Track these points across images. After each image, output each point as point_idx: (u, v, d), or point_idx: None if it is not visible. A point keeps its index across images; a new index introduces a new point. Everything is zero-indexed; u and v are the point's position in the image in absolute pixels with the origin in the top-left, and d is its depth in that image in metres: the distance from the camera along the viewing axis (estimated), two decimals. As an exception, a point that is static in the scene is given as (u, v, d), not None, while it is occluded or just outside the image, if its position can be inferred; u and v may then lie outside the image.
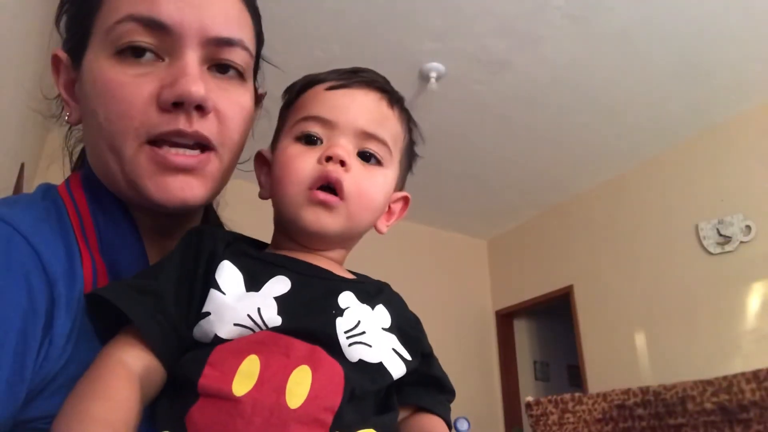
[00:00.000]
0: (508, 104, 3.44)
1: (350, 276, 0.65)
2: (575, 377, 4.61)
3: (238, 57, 0.62)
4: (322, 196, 0.59)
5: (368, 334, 0.56)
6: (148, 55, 0.57)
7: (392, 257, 3.56)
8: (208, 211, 0.74)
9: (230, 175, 0.65)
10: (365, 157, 0.63)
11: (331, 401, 0.49)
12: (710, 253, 3.44)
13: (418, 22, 2.84)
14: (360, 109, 0.64)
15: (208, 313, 0.54)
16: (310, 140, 0.63)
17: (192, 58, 0.58)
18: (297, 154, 0.62)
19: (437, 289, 4.65)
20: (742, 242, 3.31)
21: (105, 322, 0.52)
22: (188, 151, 0.58)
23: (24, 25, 1.84)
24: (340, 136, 0.62)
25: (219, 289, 0.55)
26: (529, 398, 1.82)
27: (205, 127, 0.58)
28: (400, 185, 0.71)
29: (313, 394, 0.48)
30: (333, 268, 0.63)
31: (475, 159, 4.01)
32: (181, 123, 0.56)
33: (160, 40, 0.57)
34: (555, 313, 4.92)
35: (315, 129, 0.63)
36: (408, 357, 0.59)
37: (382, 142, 0.64)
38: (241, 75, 0.63)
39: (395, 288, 0.68)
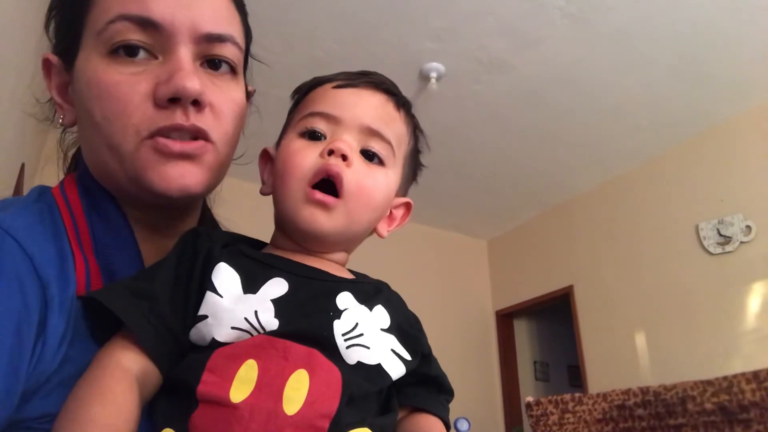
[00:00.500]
0: (508, 104, 3.44)
1: (348, 276, 0.64)
2: (575, 377, 4.61)
3: (230, 52, 0.63)
4: (320, 195, 0.59)
5: (366, 336, 0.56)
6: (142, 54, 0.58)
7: (392, 257, 3.56)
8: (203, 211, 0.74)
9: (226, 170, 0.65)
10: (368, 155, 0.63)
11: (327, 407, 0.49)
12: (710, 254, 3.44)
13: (418, 22, 2.84)
14: (366, 106, 0.64)
15: (205, 316, 0.53)
16: (314, 136, 0.62)
17: (185, 54, 0.59)
18: (299, 149, 0.62)
19: (437, 289, 4.66)
20: (742, 242, 3.31)
21: (101, 323, 0.52)
22: (189, 140, 0.59)
23: (23, 26, 1.84)
24: (344, 131, 0.62)
25: (216, 292, 0.55)
26: (530, 398, 1.82)
27: (202, 120, 0.59)
28: (403, 191, 0.70)
29: (310, 399, 0.49)
30: (331, 269, 0.62)
31: (476, 159, 4.01)
32: (178, 118, 0.57)
33: (153, 38, 0.58)
34: (555, 314, 4.92)
35: (319, 125, 0.62)
36: (407, 357, 0.59)
37: (387, 141, 0.64)
38: (232, 70, 0.64)
39: (395, 288, 0.67)
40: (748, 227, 3.29)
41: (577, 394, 1.68)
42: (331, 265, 0.63)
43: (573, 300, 4.28)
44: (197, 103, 0.58)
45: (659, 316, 3.64)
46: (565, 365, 5.16)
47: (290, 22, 2.78)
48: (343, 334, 0.54)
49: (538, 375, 5.05)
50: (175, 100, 0.57)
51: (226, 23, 0.63)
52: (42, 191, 0.60)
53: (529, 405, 1.80)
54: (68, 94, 0.63)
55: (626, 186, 4.08)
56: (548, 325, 5.21)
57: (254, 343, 0.51)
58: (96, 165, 0.60)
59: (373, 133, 0.63)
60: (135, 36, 0.57)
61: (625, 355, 3.78)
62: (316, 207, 0.59)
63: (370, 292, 0.62)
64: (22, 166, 2.23)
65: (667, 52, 3.00)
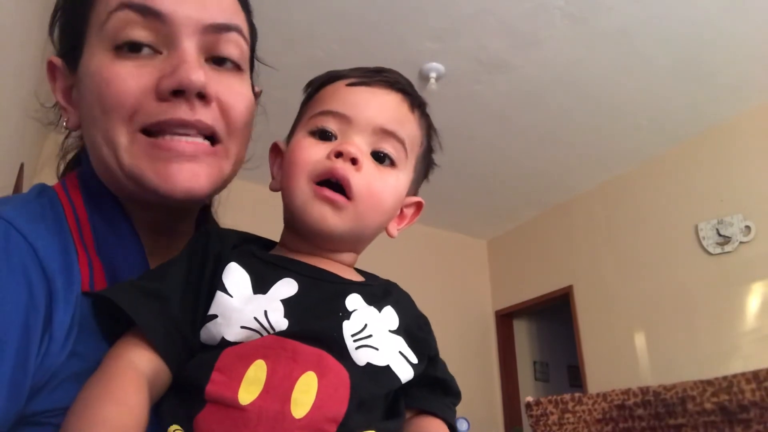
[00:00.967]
0: (508, 104, 3.44)
1: (358, 278, 0.64)
2: (575, 377, 4.61)
3: (235, 45, 0.61)
4: (329, 193, 0.58)
5: (375, 337, 0.55)
6: (146, 50, 0.57)
7: (392, 257, 3.55)
8: (205, 210, 0.74)
9: (237, 169, 0.64)
10: (379, 157, 0.62)
11: (335, 411, 0.49)
12: (710, 254, 3.44)
13: (417, 22, 2.84)
14: (380, 106, 0.62)
15: (215, 316, 0.53)
16: (324, 135, 0.61)
17: (190, 46, 0.57)
18: (309, 147, 0.60)
19: (437, 289, 4.65)
20: (741, 242, 3.31)
21: (109, 321, 0.52)
22: (195, 139, 0.57)
23: (23, 27, 1.83)
24: (355, 133, 0.60)
25: (226, 292, 0.54)
26: (529, 398, 1.82)
27: (209, 115, 0.57)
28: (414, 190, 0.69)
29: (318, 403, 0.48)
30: (341, 271, 0.62)
31: (475, 159, 4.01)
32: (182, 111, 0.56)
33: (156, 32, 0.57)
34: (555, 314, 4.92)
35: (330, 124, 0.61)
36: (414, 360, 0.58)
37: (399, 143, 0.62)
38: (238, 67, 0.62)
39: (400, 287, 0.67)
40: (748, 227, 3.29)
41: (576, 394, 1.68)
42: (340, 266, 0.63)
43: (573, 300, 4.28)
44: (203, 97, 0.56)
45: (659, 316, 3.64)
46: (564, 365, 5.16)
47: (290, 22, 2.78)
48: (353, 335, 0.54)
49: (538, 375, 5.05)
50: (179, 93, 0.55)
51: (231, 14, 0.62)
52: (43, 188, 0.60)
53: (528, 405, 1.80)
54: (72, 97, 0.62)
55: (626, 186, 4.08)
56: (548, 325, 5.21)
57: (263, 343, 0.51)
58: (97, 164, 0.60)
59: (385, 134, 0.61)
60: (139, 32, 0.56)
61: (625, 355, 3.78)
62: (325, 205, 0.58)
63: (379, 293, 0.61)
64: (21, 166, 2.23)
65: (666, 52, 3.00)
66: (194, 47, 0.58)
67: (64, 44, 0.63)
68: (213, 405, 0.48)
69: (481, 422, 4.23)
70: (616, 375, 3.72)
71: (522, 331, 5.13)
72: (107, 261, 0.56)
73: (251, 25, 0.68)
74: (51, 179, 0.65)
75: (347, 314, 0.55)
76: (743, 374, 1.31)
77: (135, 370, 0.48)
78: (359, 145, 0.60)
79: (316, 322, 0.54)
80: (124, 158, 0.56)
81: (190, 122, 0.56)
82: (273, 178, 0.67)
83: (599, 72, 3.15)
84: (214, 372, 0.49)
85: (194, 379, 0.50)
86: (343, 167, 0.58)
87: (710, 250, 3.44)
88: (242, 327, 0.52)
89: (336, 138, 0.61)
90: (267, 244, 0.67)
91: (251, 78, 0.68)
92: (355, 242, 0.64)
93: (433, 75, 3.12)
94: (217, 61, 0.61)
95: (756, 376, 1.27)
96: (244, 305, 0.53)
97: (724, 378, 1.34)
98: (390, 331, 0.58)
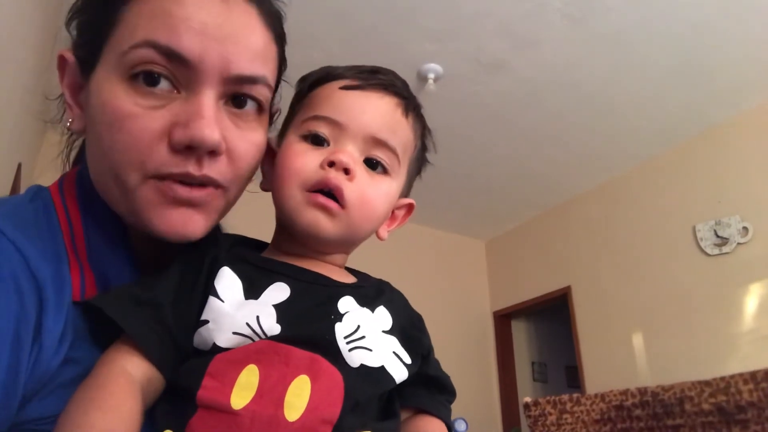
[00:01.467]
0: (506, 105, 3.45)
1: (350, 280, 0.64)
2: (573, 378, 4.61)
3: (258, 92, 0.59)
4: (322, 199, 0.58)
5: (368, 338, 0.55)
6: (163, 83, 0.54)
7: (389, 257, 3.55)
8: None
9: (232, 206, 0.63)
10: (372, 164, 0.61)
11: (329, 413, 0.49)
12: (708, 255, 3.45)
13: (416, 23, 2.84)
14: (373, 113, 0.62)
15: (206, 321, 0.53)
16: (317, 140, 0.61)
17: (209, 97, 0.55)
18: (301, 153, 0.60)
19: (435, 290, 4.65)
20: (739, 244, 3.31)
21: (103, 326, 0.52)
22: (196, 188, 0.56)
23: (23, 25, 1.83)
24: (347, 140, 0.60)
25: (218, 297, 0.54)
26: (527, 399, 1.82)
27: (215, 169, 0.56)
28: (406, 192, 0.69)
29: (312, 406, 0.48)
30: (333, 273, 0.62)
31: (474, 160, 4.01)
32: (190, 167, 0.54)
33: (178, 71, 0.54)
34: (553, 314, 4.92)
35: (323, 129, 0.61)
36: (408, 360, 0.59)
37: (392, 150, 0.62)
38: (259, 108, 0.60)
39: (392, 285, 0.67)
40: (745, 228, 3.30)
41: (575, 395, 1.69)
42: (331, 268, 0.63)
43: (571, 301, 4.29)
44: (213, 152, 0.55)
45: (657, 316, 3.65)
46: (563, 366, 5.16)
47: (288, 22, 2.78)
48: (345, 337, 0.54)
49: (536, 376, 5.05)
50: (190, 147, 0.53)
51: (261, 62, 0.58)
52: (38, 191, 0.59)
53: (527, 405, 1.80)
54: (80, 99, 0.60)
55: (624, 187, 4.08)
56: (546, 325, 5.21)
57: (256, 348, 0.51)
58: (99, 184, 0.58)
59: (378, 142, 0.61)
60: (158, 67, 0.53)
61: (623, 356, 3.78)
62: (318, 210, 0.58)
63: (371, 294, 0.61)
64: (19, 166, 2.23)
65: (664, 54, 3.00)
66: (214, 96, 0.55)
67: (80, 47, 0.60)
68: (205, 410, 0.48)
69: (479, 423, 4.24)
70: (614, 376, 3.73)
71: (520, 331, 5.13)
72: (99, 269, 0.56)
73: (282, 59, 0.66)
74: (52, 180, 0.65)
75: (339, 316, 0.55)
76: (741, 375, 1.31)
77: (126, 377, 0.48)
78: (352, 153, 0.60)
79: (308, 326, 0.54)
80: (130, 199, 0.55)
81: (196, 177, 0.55)
82: (264, 176, 0.66)
83: (597, 73, 3.16)
84: (205, 377, 0.49)
85: (186, 385, 0.50)
86: (336, 177, 0.58)
87: (708, 251, 3.44)
88: (234, 333, 0.52)
89: (328, 143, 0.60)
90: (259, 245, 0.67)
91: (272, 105, 0.65)
92: (346, 246, 0.64)
93: (431, 76, 3.12)
94: (237, 102, 0.58)
95: (753, 377, 1.28)
96: (236, 311, 0.53)
97: (722, 379, 1.34)
98: (383, 331, 0.58)
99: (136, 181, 0.54)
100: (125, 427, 0.44)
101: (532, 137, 3.75)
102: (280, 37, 0.65)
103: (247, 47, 0.57)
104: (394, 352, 0.57)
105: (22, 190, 2.15)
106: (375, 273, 0.69)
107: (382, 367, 0.55)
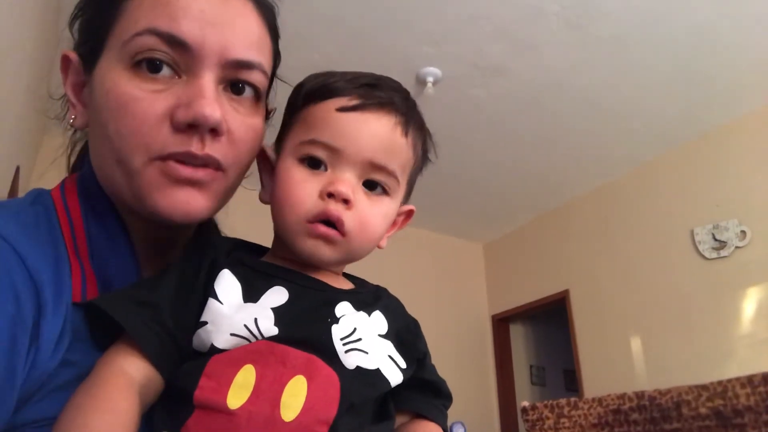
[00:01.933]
0: (505, 109, 3.45)
1: (348, 285, 0.65)
2: (571, 382, 4.61)
3: (255, 79, 0.61)
4: (323, 229, 0.58)
5: (364, 341, 0.56)
6: (165, 70, 0.57)
7: (387, 260, 3.56)
8: (203, 223, 0.74)
9: (234, 192, 0.65)
10: (371, 184, 0.61)
11: (325, 413, 0.49)
12: (706, 258, 3.45)
13: (415, 27, 2.85)
14: (371, 138, 0.60)
15: (205, 323, 0.54)
16: (314, 163, 0.60)
17: (209, 79, 0.57)
18: (300, 181, 0.59)
19: (433, 293, 4.66)
20: (737, 247, 3.32)
21: (102, 328, 0.52)
22: (199, 167, 0.57)
23: (21, 26, 1.83)
24: (345, 166, 0.59)
25: (217, 299, 0.55)
26: (525, 403, 1.82)
27: (216, 149, 0.58)
28: (406, 199, 0.69)
29: (308, 405, 0.48)
30: (331, 279, 0.63)
31: (472, 163, 4.02)
32: (193, 145, 0.56)
33: (179, 55, 0.57)
34: (551, 318, 4.92)
35: (320, 153, 0.60)
36: (403, 365, 0.59)
37: (390, 173, 0.61)
38: (256, 95, 0.63)
39: (390, 292, 0.67)
40: (743, 232, 3.31)
41: (572, 399, 1.69)
42: (330, 275, 0.64)
43: (569, 304, 4.29)
44: (215, 131, 0.57)
45: (655, 320, 3.65)
46: (561, 370, 5.16)
47: (287, 26, 2.77)
48: (342, 339, 0.54)
49: (534, 379, 5.05)
50: (192, 126, 0.56)
51: (256, 49, 0.61)
52: (39, 194, 0.59)
53: (524, 410, 1.80)
54: (83, 96, 0.62)
55: (622, 190, 4.09)
56: (544, 329, 5.22)
57: (253, 348, 0.51)
58: (102, 174, 0.60)
59: (376, 166, 0.60)
60: (161, 51, 0.56)
61: (621, 360, 3.79)
62: (318, 240, 0.59)
63: (368, 299, 0.62)
64: (17, 169, 2.23)
65: (662, 58, 3.02)
66: (213, 79, 0.58)
67: (82, 43, 0.62)
68: (202, 410, 0.48)
69: (477, 426, 4.23)
70: (612, 379, 3.73)
71: (518, 335, 5.14)
72: (101, 271, 0.57)
73: (276, 51, 0.69)
74: (51, 182, 0.65)
75: (336, 319, 0.56)
76: (738, 379, 1.31)
77: (125, 377, 0.48)
78: (350, 180, 0.59)
79: (305, 327, 0.54)
80: (135, 182, 0.57)
81: (199, 156, 0.56)
82: (262, 186, 0.66)
83: (595, 77, 3.17)
84: (202, 378, 0.50)
85: (183, 386, 0.50)
86: (336, 208, 0.58)
87: (706, 254, 3.45)
88: (232, 334, 0.52)
89: (326, 167, 0.60)
90: (259, 250, 0.67)
91: (267, 97, 0.68)
92: (346, 263, 0.65)
93: (430, 79, 3.13)
94: (235, 89, 0.61)
95: (750, 381, 1.28)
96: (234, 313, 0.54)
97: (719, 383, 1.34)
98: (379, 335, 0.59)
99: (141, 164, 0.56)
100: (123, 428, 0.44)
101: (530, 140, 3.76)
102: (273, 31, 0.68)
103: (244, 34, 0.60)
104: (389, 356, 0.58)
105: (21, 193, 2.16)
106: (372, 276, 0.69)
107: (378, 370, 0.56)
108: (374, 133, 0.60)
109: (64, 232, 0.56)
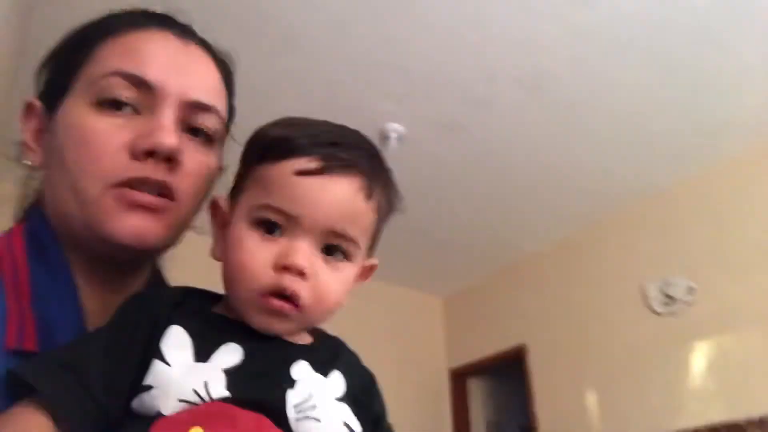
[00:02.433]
0: (463, 165, 3.55)
1: (306, 340, 0.63)
2: (529, 438, 4.56)
3: (211, 123, 0.65)
4: (277, 304, 0.55)
5: (319, 408, 0.54)
6: (127, 109, 0.60)
7: (343, 311, 3.51)
8: (153, 270, 0.73)
9: (184, 231, 0.66)
10: (330, 249, 0.58)
11: None
12: (657, 313, 3.54)
13: (379, 84, 2.94)
14: (331, 205, 0.56)
15: (150, 387, 0.50)
16: (269, 227, 0.56)
17: (169, 114, 0.61)
18: (253, 249, 0.56)
19: (390, 346, 4.59)
20: (686, 303, 3.42)
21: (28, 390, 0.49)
22: (154, 195, 0.59)
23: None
24: (302, 235, 0.55)
25: (164, 360, 0.51)
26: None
27: (171, 177, 0.60)
28: (369, 254, 0.65)
29: None
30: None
31: (432, 218, 4.06)
32: (148, 171, 0.58)
33: (142, 96, 0.60)
34: (508, 372, 4.90)
35: (276, 218, 0.56)
36: (358, 430, 0.57)
37: (351, 239, 0.58)
38: (210, 141, 0.66)
39: (347, 345, 0.67)
40: (691, 288, 3.42)
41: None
42: None
43: (526, 358, 4.30)
44: (171, 161, 0.59)
45: (609, 374, 3.69)
46: (517, 425, 5.10)
47: (251, 81, 2.83)
48: (296, 406, 0.53)
49: (492, 435, 4.97)
50: (151, 155, 0.58)
51: (214, 95, 0.66)
52: None
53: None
54: (42, 140, 0.64)
55: (576, 246, 4.19)
56: (501, 383, 5.18)
57: (203, 410, 0.49)
58: (55, 209, 0.61)
59: (336, 234, 0.57)
60: (125, 92, 0.60)
61: (578, 414, 3.79)
62: (271, 315, 0.56)
63: (326, 357, 0.60)
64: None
65: (611, 120, 3.18)
66: (173, 116, 0.61)
67: (48, 88, 0.65)
68: None
69: (435, 485, 4.11)
70: (569, 435, 3.72)
71: (476, 389, 5.08)
72: (42, 316, 0.55)
73: (231, 106, 0.73)
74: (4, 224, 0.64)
75: (292, 383, 0.54)
76: (696, 430, 1.33)
77: None
78: (307, 250, 0.56)
79: (259, 392, 0.52)
80: (89, 210, 0.58)
81: (153, 181, 0.59)
82: (215, 241, 0.62)
83: (548, 137, 3.31)
84: None
85: None
86: (291, 282, 0.55)
87: (657, 309, 3.54)
88: (180, 400, 0.49)
89: (281, 232, 0.56)
90: (212, 297, 0.63)
91: (220, 152, 0.71)
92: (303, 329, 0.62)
93: (393, 135, 3.20)
94: (192, 131, 0.64)
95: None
96: (183, 376, 0.50)
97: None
98: (336, 398, 0.57)
99: (97, 192, 0.58)
100: None
101: (488, 196, 3.85)
102: (229, 86, 0.72)
103: (203, 81, 0.66)
104: (344, 423, 0.56)
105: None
106: (327, 327, 0.69)
107: None
108: (335, 199, 0.56)
109: (6, 273, 0.55)
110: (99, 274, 0.63)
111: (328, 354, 0.61)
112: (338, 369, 0.59)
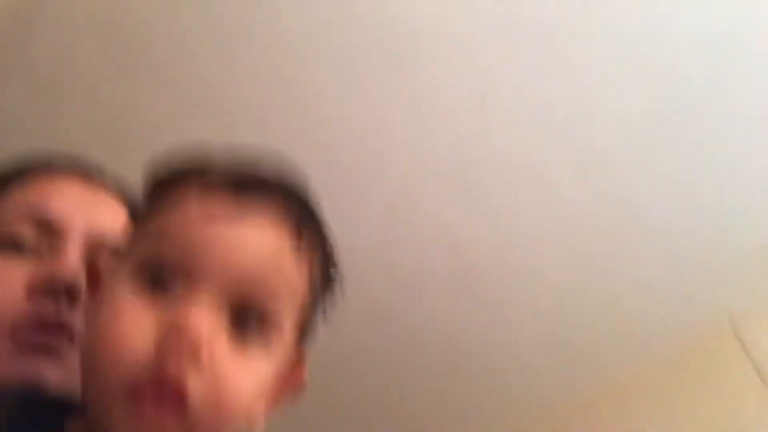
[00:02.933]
0: (393, 354, 3.44)
1: None
2: None
3: None
4: (152, 409, 0.36)
5: None
6: (30, 252, 0.58)
7: None
8: None
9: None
10: (241, 322, 0.41)
11: None
12: None
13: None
14: (245, 257, 0.41)
15: None
16: (158, 282, 0.40)
17: (73, 251, 0.59)
18: (128, 310, 0.38)
19: None
20: None
21: None
22: (56, 337, 0.55)
23: None
24: (203, 296, 0.39)
25: None
26: None
27: (73, 317, 0.55)
28: (296, 350, 0.47)
29: None
30: None
31: (355, 405, 3.81)
32: (47, 309, 0.54)
33: (46, 237, 0.59)
34: None
35: (168, 271, 0.40)
36: None
37: (271, 311, 0.42)
38: None
39: None
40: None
41: None
42: None
43: None
44: (72, 296, 0.55)
45: None
46: None
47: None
48: None
49: None
50: (48, 293, 0.54)
51: (122, 229, 0.62)
52: None
53: None
54: None
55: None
56: None
57: None
58: None
59: (249, 299, 0.41)
60: (28, 234, 0.59)
61: None
62: (146, 425, 0.37)
63: None
64: None
65: (536, 323, 3.26)
66: (77, 251, 0.59)
67: None
68: None
69: None
70: None
71: None
72: None
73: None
74: None
75: None
76: None
77: None
78: (206, 320, 0.38)
79: None
80: None
81: (52, 323, 0.54)
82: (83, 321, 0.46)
83: (479, 336, 3.31)
84: None
85: None
86: (176, 366, 0.37)
87: None
88: None
89: (170, 288, 0.39)
90: (65, 411, 0.43)
91: None
92: None
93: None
94: None
95: None
96: None
97: None
98: None
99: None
100: None
101: (414, 387, 3.70)
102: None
103: (110, 214, 0.65)
104: None
105: None
106: None
107: None
108: (252, 249, 0.41)
109: None
110: None
111: None
112: None
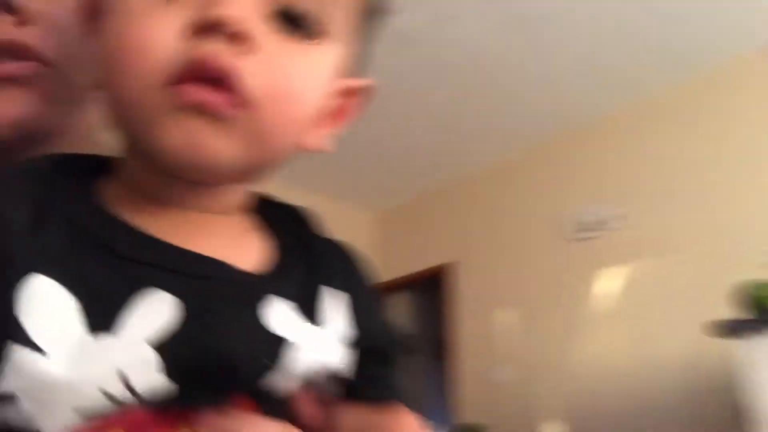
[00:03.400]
0: (410, 80, 3.33)
1: (259, 242, 0.39)
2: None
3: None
4: (200, 95, 0.30)
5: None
6: None
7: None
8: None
9: (83, 103, 0.50)
10: (289, 19, 0.33)
11: None
12: (581, 239, 3.59)
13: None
14: None
15: (12, 395, 0.28)
16: None
17: None
18: (148, 17, 0.31)
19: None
20: (609, 230, 3.46)
21: None
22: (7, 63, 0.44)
23: None
24: None
25: (30, 345, 0.28)
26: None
27: (26, 34, 0.44)
28: (355, 65, 0.41)
29: None
30: (234, 239, 0.38)
31: (369, 130, 3.86)
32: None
33: None
34: (431, 290, 4.95)
35: None
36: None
37: (322, 13, 0.35)
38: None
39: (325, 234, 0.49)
40: (618, 216, 3.45)
41: None
42: (227, 225, 0.38)
43: (450, 277, 4.32)
44: (13, 12, 0.44)
45: (531, 296, 3.76)
46: (428, 339, 5.19)
47: None
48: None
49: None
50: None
51: None
52: None
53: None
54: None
55: (513, 169, 4.13)
56: (424, 301, 5.22)
57: (129, 420, 0.28)
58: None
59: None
60: None
61: (499, 331, 3.87)
62: (197, 118, 0.31)
63: (307, 281, 0.38)
64: None
65: (567, 40, 3.03)
66: None
67: None
68: None
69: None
70: (487, 349, 3.83)
71: (396, 305, 5.09)
72: None
73: None
74: None
75: (274, 349, 0.32)
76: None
77: None
78: (245, 3, 0.31)
79: (225, 375, 0.31)
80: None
81: (3, 43, 0.43)
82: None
83: (505, 54, 3.13)
84: None
85: None
86: (219, 52, 0.30)
87: (582, 236, 3.58)
88: (77, 411, 0.28)
89: None
90: (99, 166, 0.38)
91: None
92: (250, 175, 0.37)
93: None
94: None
95: None
96: (74, 368, 0.28)
97: None
98: (339, 345, 0.38)
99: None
100: None
101: (422, 115, 3.69)
102: None
103: None
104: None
105: None
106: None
107: None
108: None
109: None
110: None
111: (302, 273, 0.38)
112: (327, 294, 0.38)
